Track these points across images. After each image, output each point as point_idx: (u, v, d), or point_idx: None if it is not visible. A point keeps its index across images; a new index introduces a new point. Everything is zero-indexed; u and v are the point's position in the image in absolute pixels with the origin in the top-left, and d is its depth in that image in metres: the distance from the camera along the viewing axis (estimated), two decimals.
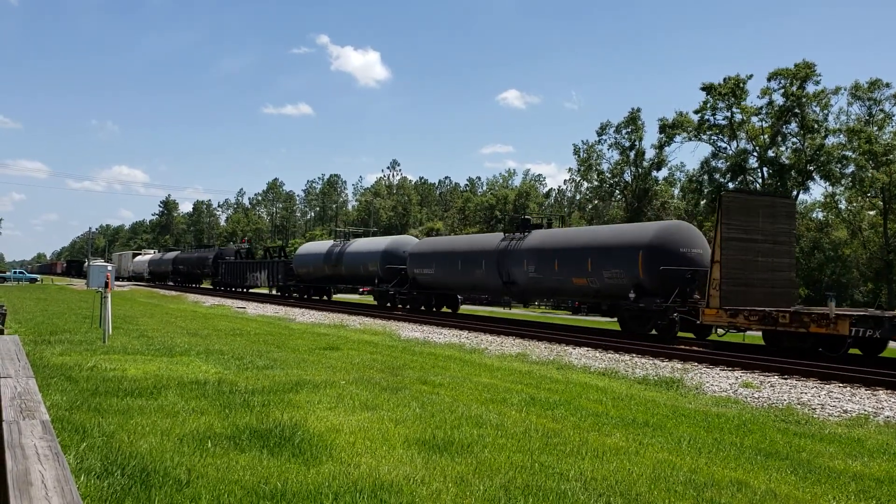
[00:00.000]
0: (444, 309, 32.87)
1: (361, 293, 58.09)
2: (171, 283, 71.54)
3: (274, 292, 47.16)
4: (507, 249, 25.89)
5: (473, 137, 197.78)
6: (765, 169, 51.87)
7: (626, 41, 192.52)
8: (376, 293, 35.48)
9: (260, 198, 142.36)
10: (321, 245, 42.23)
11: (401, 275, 32.37)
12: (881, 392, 12.20)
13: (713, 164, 54.11)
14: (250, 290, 52.21)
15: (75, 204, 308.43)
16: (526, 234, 25.87)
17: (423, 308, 31.64)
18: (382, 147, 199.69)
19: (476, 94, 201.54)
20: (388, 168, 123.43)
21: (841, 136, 50.02)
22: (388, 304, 33.87)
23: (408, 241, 35.82)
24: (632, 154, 63.56)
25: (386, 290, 33.39)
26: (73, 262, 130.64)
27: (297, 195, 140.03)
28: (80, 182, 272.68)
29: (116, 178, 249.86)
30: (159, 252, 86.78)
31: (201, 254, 64.01)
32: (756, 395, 11.69)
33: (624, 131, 63.67)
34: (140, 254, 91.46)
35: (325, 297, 43.24)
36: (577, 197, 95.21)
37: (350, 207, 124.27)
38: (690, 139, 56.20)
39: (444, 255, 29.61)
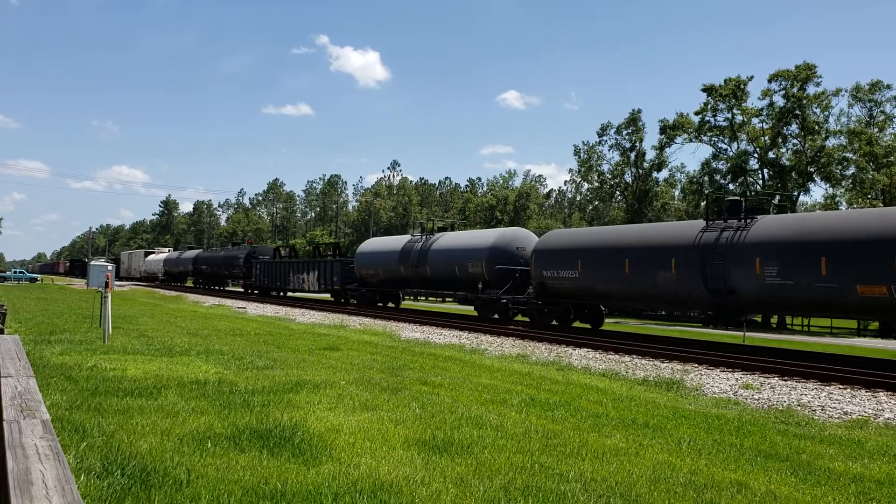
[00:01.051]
0: (580, 324, 25.30)
1: (455, 300, 37.65)
2: (190, 285, 66.10)
3: (328, 297, 40.95)
4: (720, 243, 18.12)
5: (473, 138, 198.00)
6: (765, 170, 51.86)
7: (626, 42, 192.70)
8: (481, 302, 27.06)
9: (260, 198, 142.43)
10: (393, 241, 34.95)
11: (515, 278, 25.67)
12: (881, 394, 12.20)
13: (714, 165, 54.08)
14: (294, 295, 46.25)
15: (76, 204, 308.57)
16: (750, 220, 18.17)
17: (555, 322, 24.79)
18: (382, 147, 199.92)
19: (476, 94, 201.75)
20: (388, 168, 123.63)
21: (842, 137, 50.01)
22: (497, 315, 26.97)
23: (524, 235, 28.01)
24: (632, 155, 63.55)
25: (495, 297, 26.06)
26: (75, 261, 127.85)
27: (298, 195, 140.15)
28: (81, 182, 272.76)
29: (117, 178, 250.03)
30: (177, 251, 79.35)
31: (230, 252, 56.41)
32: (756, 397, 11.69)
33: (625, 132, 63.67)
34: (153, 252, 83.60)
35: (391, 304, 36.21)
36: (578, 198, 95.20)
37: (350, 208, 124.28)
38: (691, 140, 56.18)
39: (597, 252, 22.14)
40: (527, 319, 26.24)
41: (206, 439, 6.53)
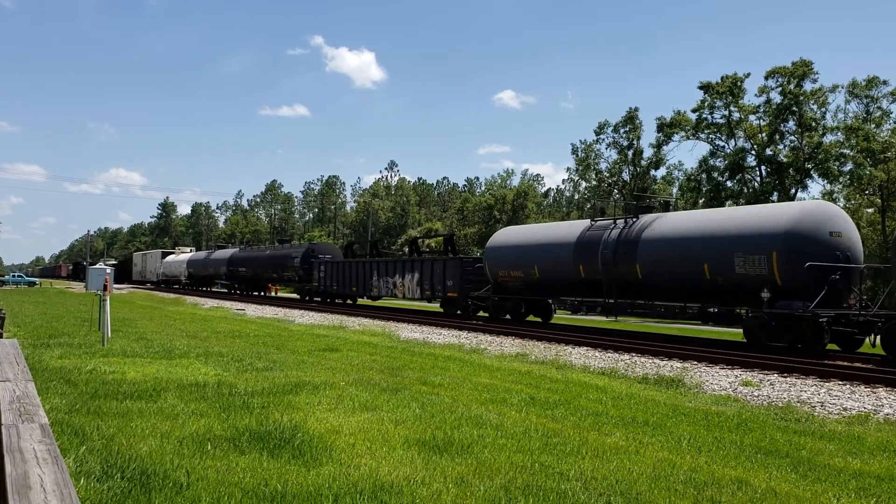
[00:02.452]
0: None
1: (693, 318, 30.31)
2: (221, 290, 59.21)
3: (427, 306, 35.16)
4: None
5: (470, 138, 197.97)
6: (763, 167, 51.90)
7: (622, 41, 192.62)
8: (771, 321, 16.98)
9: (258, 199, 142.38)
10: (558, 229, 25.30)
11: (834, 281, 16.70)
12: (881, 389, 12.21)
13: (711, 162, 54.11)
14: (378, 304, 39.22)
15: (73, 207, 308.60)
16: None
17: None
18: (380, 148, 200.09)
19: (472, 94, 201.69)
20: (386, 169, 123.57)
21: (839, 133, 50.05)
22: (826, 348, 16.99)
23: (833, 213, 18.30)
24: (630, 153, 63.60)
25: (807, 313, 16.22)
26: (78, 264, 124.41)
27: (296, 196, 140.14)
28: (78, 185, 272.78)
29: (114, 181, 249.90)
30: (203, 250, 70.50)
31: (279, 251, 47.60)
32: (756, 394, 11.70)
33: (622, 130, 63.71)
34: (173, 253, 74.61)
35: (536, 317, 27.52)
36: (576, 196, 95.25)
37: (349, 209, 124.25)
38: (688, 138, 56.24)
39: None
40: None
41: (206, 441, 6.52)
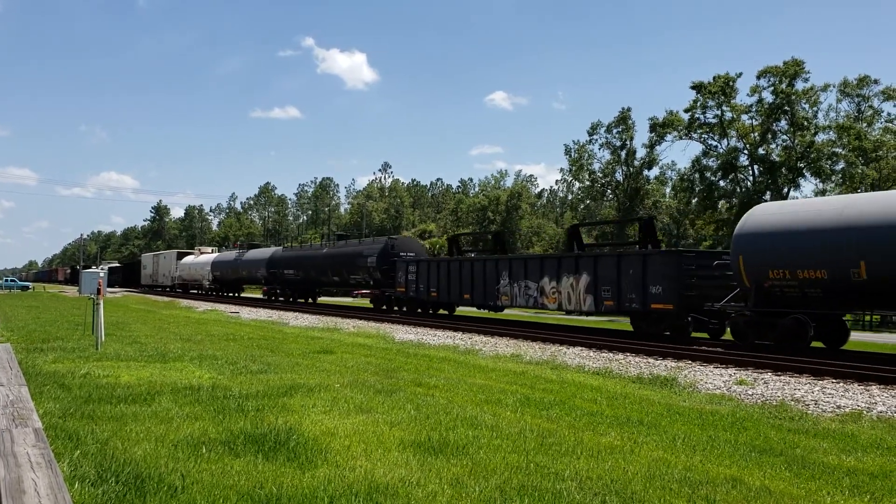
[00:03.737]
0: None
1: None
2: (258, 296, 52.64)
3: (590, 321, 28.05)
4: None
5: (462, 139, 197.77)
6: (755, 167, 52.05)
7: (613, 41, 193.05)
8: None
9: (252, 202, 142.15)
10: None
11: None
12: (874, 387, 12.26)
13: (704, 162, 54.25)
14: (513, 316, 32.29)
15: (66, 211, 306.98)
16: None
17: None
18: (373, 149, 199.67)
19: (464, 95, 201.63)
20: (379, 170, 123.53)
21: (830, 132, 50.27)
22: None
23: None
24: (623, 153, 63.74)
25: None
26: (85, 267, 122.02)
27: (290, 199, 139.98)
28: (70, 188, 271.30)
29: (106, 184, 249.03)
30: (233, 250, 59.48)
31: (345, 248, 37.88)
32: (750, 393, 11.73)
33: (615, 131, 63.86)
34: (191, 253, 65.82)
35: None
36: (570, 197, 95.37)
37: (343, 210, 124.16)
38: (681, 138, 56.38)
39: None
40: None
41: (201, 445, 6.51)
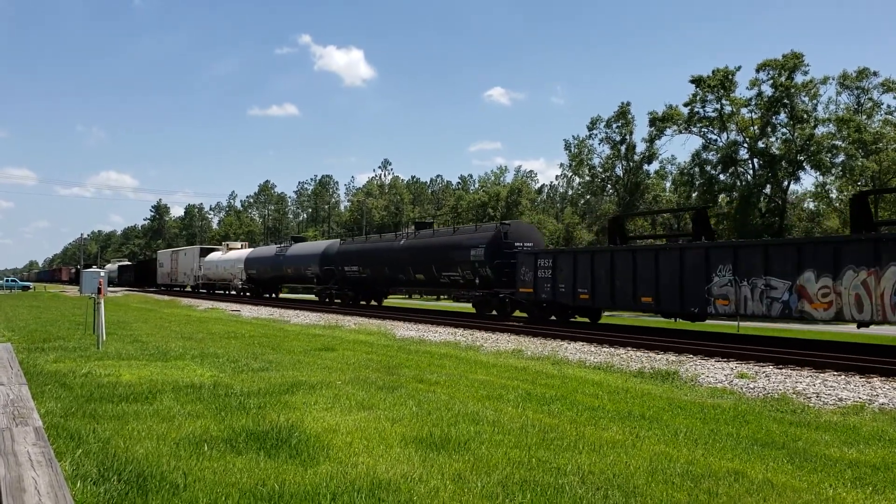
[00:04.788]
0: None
1: None
2: (310, 297, 47.58)
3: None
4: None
5: (461, 135, 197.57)
6: (755, 160, 51.97)
7: (610, 35, 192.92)
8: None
9: (252, 200, 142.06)
10: None
11: None
12: (876, 379, 12.26)
13: (704, 156, 54.17)
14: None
15: (65, 211, 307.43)
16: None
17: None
18: (372, 146, 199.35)
19: (462, 91, 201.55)
20: (379, 167, 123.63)
21: (830, 125, 50.16)
22: None
23: None
24: (623, 148, 63.64)
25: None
26: (86, 267, 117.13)
27: (290, 197, 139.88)
28: (69, 188, 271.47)
29: (105, 184, 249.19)
30: (273, 245, 52.23)
31: (436, 239, 30.38)
32: (751, 386, 11.73)
33: (614, 125, 63.73)
34: (217, 249, 58.50)
35: None
36: (570, 192, 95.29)
37: (342, 208, 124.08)
38: (681, 132, 56.24)
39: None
40: None
41: (203, 443, 6.51)
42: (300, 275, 41.93)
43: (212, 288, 56.04)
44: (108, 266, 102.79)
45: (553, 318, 24.69)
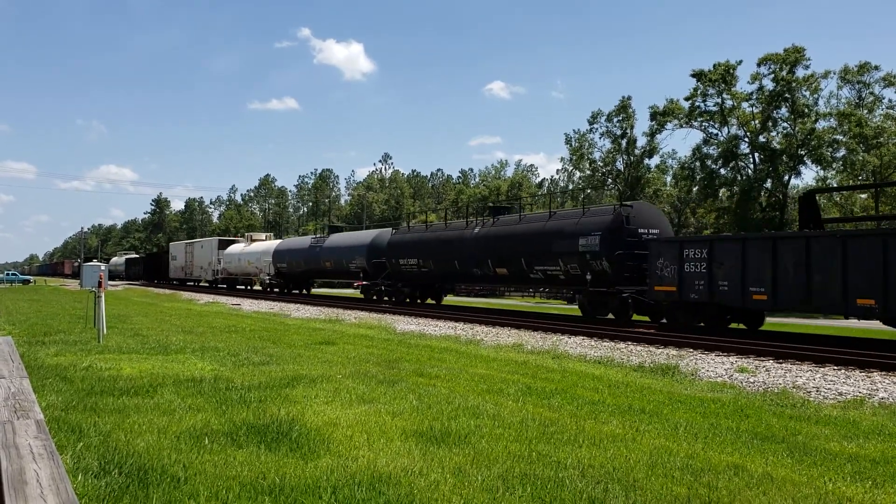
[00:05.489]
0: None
1: None
2: (355, 294, 43.31)
3: None
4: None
5: (461, 129, 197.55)
6: (756, 154, 51.93)
7: (611, 29, 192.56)
8: None
9: (252, 194, 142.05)
10: None
11: None
12: (875, 374, 12.27)
13: (705, 150, 54.11)
14: None
15: (65, 204, 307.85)
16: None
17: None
18: (372, 140, 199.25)
19: (462, 85, 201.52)
20: (379, 161, 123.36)
21: (831, 119, 50.10)
22: None
23: None
24: (623, 142, 63.59)
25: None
26: (86, 260, 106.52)
27: (290, 190, 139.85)
28: (69, 182, 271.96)
29: (105, 178, 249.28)
30: (307, 236, 46.25)
31: (526, 227, 25.18)
32: (751, 380, 11.74)
33: (615, 120, 63.67)
34: (239, 241, 53.77)
35: None
36: (570, 186, 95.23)
37: (343, 202, 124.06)
38: (682, 126, 56.19)
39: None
40: None
41: (204, 436, 6.52)
42: (341, 269, 37.32)
43: (233, 283, 52.12)
44: (115, 259, 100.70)
45: (702, 323, 19.56)
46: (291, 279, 43.97)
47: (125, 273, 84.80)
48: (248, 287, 50.15)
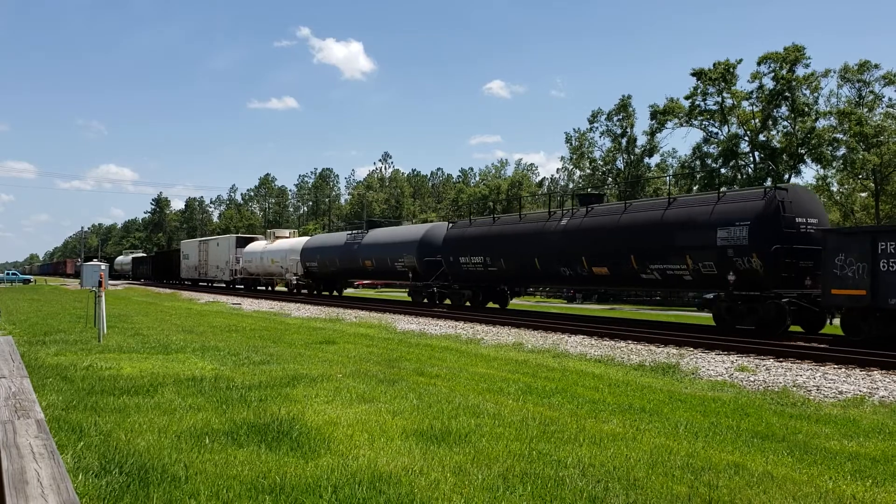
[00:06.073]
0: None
1: None
2: (399, 296, 41.58)
3: None
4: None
5: (461, 128, 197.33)
6: (756, 153, 51.93)
7: (611, 27, 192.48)
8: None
9: (252, 193, 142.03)
10: None
11: None
12: (876, 372, 12.27)
13: (705, 149, 54.13)
14: None
15: (65, 204, 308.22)
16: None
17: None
18: (371, 140, 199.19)
19: (461, 84, 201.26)
20: (379, 161, 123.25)
21: (831, 118, 50.09)
22: None
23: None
24: (623, 141, 63.60)
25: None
26: (90, 259, 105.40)
27: (290, 190, 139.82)
28: (69, 182, 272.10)
29: (105, 177, 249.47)
30: (342, 232, 42.40)
31: (642, 214, 20.78)
32: (752, 379, 11.74)
33: (615, 118, 63.68)
34: (260, 239, 50.87)
35: None
36: (570, 185, 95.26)
37: (343, 201, 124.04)
38: (682, 125, 56.19)
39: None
40: None
41: (204, 435, 6.52)
42: (385, 268, 33.14)
43: (253, 284, 48.37)
44: (120, 258, 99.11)
45: None
46: (323, 279, 40.32)
47: (132, 272, 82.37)
48: (270, 288, 47.20)
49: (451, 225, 30.18)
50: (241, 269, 48.25)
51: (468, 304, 28.69)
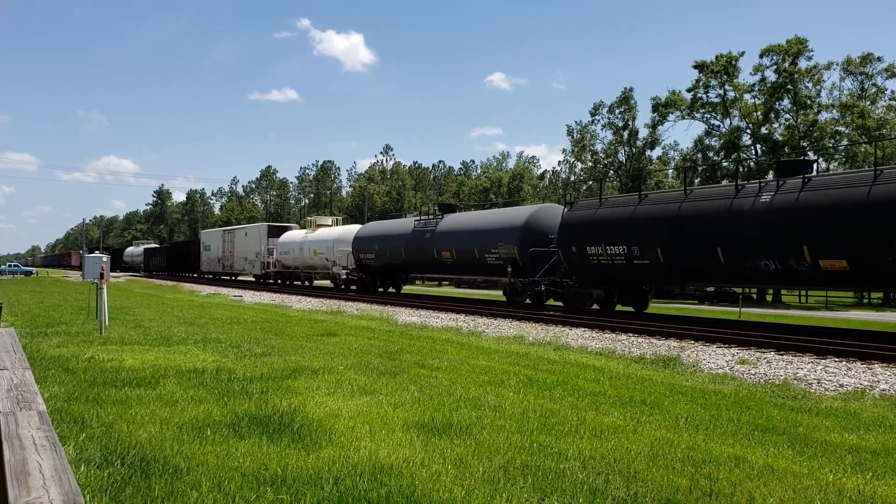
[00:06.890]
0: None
1: None
2: (492, 296, 35.43)
3: None
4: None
5: (462, 120, 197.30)
6: (758, 146, 51.87)
7: (612, 19, 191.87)
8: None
9: (254, 185, 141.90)
10: None
11: None
12: (877, 365, 12.27)
13: (707, 142, 54.06)
14: None
15: (67, 196, 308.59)
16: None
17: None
18: (373, 132, 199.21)
19: (462, 76, 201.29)
20: (381, 153, 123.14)
21: (834, 111, 50.02)
22: None
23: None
24: (625, 134, 63.53)
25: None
26: (94, 251, 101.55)
27: (291, 182, 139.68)
28: (71, 173, 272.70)
29: (106, 169, 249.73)
30: (398, 219, 39.11)
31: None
32: (752, 372, 11.75)
33: (617, 111, 63.59)
34: (294, 228, 47.30)
35: None
36: (572, 178, 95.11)
37: (344, 193, 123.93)
38: (684, 118, 56.12)
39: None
40: None
41: (206, 427, 6.54)
42: (470, 261, 27.59)
43: (289, 278, 43.32)
44: (131, 249, 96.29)
45: None
46: (380, 273, 34.81)
47: (144, 265, 77.93)
48: (308, 283, 42.51)
49: (568, 207, 24.23)
50: (275, 262, 43.44)
51: (596, 306, 23.45)
